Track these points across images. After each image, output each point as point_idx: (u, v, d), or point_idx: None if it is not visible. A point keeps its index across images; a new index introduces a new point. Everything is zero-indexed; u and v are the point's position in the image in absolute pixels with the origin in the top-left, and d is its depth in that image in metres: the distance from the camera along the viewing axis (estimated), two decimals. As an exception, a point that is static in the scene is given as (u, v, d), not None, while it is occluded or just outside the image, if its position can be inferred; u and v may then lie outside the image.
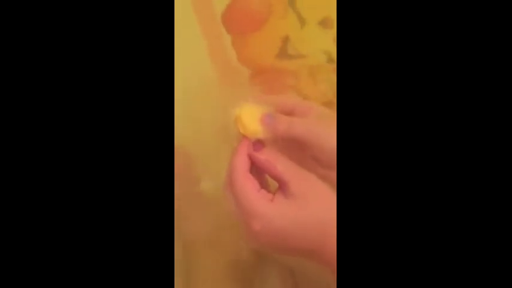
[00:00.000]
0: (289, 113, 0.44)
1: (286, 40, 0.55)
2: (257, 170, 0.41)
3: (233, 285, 0.54)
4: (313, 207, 0.39)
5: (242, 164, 0.40)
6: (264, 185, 0.41)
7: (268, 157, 0.40)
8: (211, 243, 0.54)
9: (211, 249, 0.54)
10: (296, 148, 0.43)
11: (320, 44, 0.55)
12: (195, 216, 0.54)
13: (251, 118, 0.42)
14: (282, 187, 0.39)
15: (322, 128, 0.42)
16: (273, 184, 0.42)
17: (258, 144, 0.41)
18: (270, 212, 0.38)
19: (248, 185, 0.39)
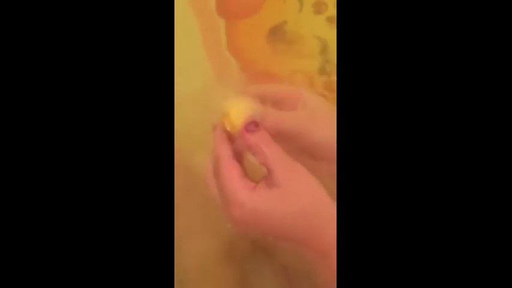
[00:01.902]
0: (280, 101, 0.44)
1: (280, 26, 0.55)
2: (240, 155, 0.41)
3: (228, 276, 0.53)
4: (295, 198, 0.38)
5: (225, 151, 0.40)
6: (246, 172, 0.41)
7: (259, 140, 0.40)
8: (207, 235, 0.54)
9: (206, 240, 0.54)
10: (285, 140, 0.43)
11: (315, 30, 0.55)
12: (191, 210, 0.54)
13: (239, 115, 0.41)
14: (267, 175, 0.39)
15: (311, 121, 0.42)
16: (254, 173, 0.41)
17: (252, 125, 0.40)
18: (250, 201, 0.38)
19: (233, 172, 0.39)
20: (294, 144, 0.42)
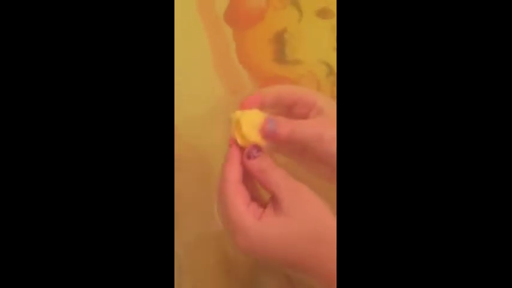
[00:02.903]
0: (294, 103, 0.43)
1: (283, 35, 0.55)
2: (249, 178, 0.40)
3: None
4: (303, 226, 0.37)
5: (234, 174, 0.39)
6: (255, 194, 0.40)
7: (263, 166, 0.39)
8: (209, 246, 0.53)
9: (209, 251, 0.53)
10: (299, 148, 0.42)
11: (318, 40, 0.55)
12: (192, 220, 0.53)
13: (251, 126, 0.40)
14: (274, 201, 0.39)
15: (327, 129, 0.40)
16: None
17: (254, 150, 0.40)
18: (256, 229, 0.37)
19: (238, 199, 0.39)
20: (309, 152, 0.41)
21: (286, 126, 0.40)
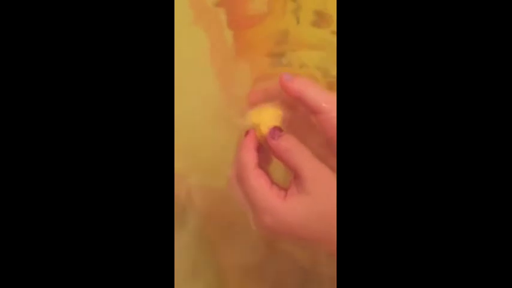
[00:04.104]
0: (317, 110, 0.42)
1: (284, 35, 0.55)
2: (266, 163, 0.41)
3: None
4: (326, 205, 0.38)
5: (252, 160, 0.40)
6: (269, 174, 0.41)
7: (288, 145, 0.40)
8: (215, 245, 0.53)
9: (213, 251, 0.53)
10: (310, 133, 0.42)
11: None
12: (197, 220, 0.53)
13: (270, 125, 0.41)
14: (296, 180, 0.39)
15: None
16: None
17: (276, 131, 0.41)
18: (283, 208, 0.39)
19: (261, 182, 0.39)
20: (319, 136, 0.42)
21: (298, 82, 0.41)
